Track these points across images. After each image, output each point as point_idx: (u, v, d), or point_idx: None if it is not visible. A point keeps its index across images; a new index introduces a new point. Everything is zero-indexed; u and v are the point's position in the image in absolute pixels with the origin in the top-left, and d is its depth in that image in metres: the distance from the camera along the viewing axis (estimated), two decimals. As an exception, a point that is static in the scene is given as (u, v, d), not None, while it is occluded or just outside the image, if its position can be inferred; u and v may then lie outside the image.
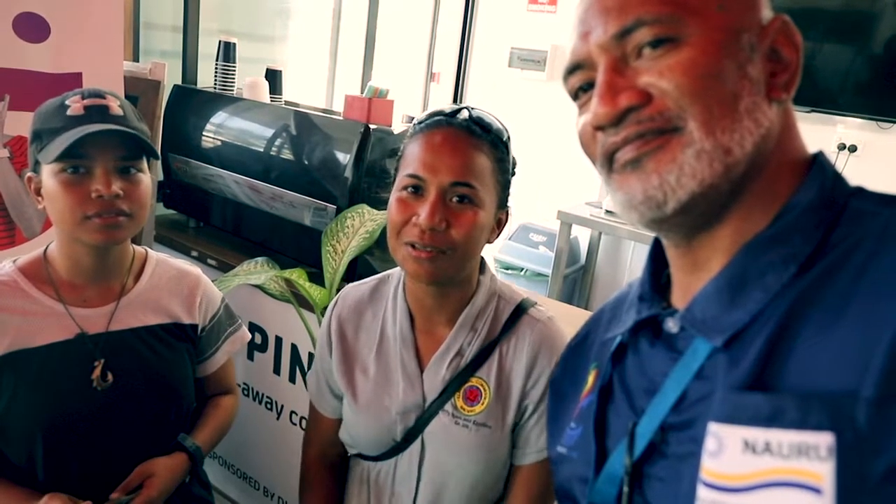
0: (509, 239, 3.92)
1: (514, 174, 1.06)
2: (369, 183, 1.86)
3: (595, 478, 0.66)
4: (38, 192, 1.10)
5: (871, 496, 0.46)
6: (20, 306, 1.09)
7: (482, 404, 1.01)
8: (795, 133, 0.61)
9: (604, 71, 0.58)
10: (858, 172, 3.17)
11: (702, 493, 0.53)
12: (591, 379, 0.74)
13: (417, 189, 0.96)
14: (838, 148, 3.24)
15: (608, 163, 0.61)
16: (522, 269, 3.84)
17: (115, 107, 1.09)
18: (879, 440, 0.46)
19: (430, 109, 1.03)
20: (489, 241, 1.02)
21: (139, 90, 1.89)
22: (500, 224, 1.04)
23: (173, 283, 1.25)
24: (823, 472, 0.46)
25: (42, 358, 1.08)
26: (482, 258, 1.08)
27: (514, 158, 1.05)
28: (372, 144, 1.84)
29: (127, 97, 1.17)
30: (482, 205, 0.96)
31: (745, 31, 0.56)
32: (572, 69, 0.63)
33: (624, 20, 0.57)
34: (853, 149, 3.23)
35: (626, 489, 0.62)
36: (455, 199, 0.95)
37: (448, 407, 1.02)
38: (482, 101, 4.21)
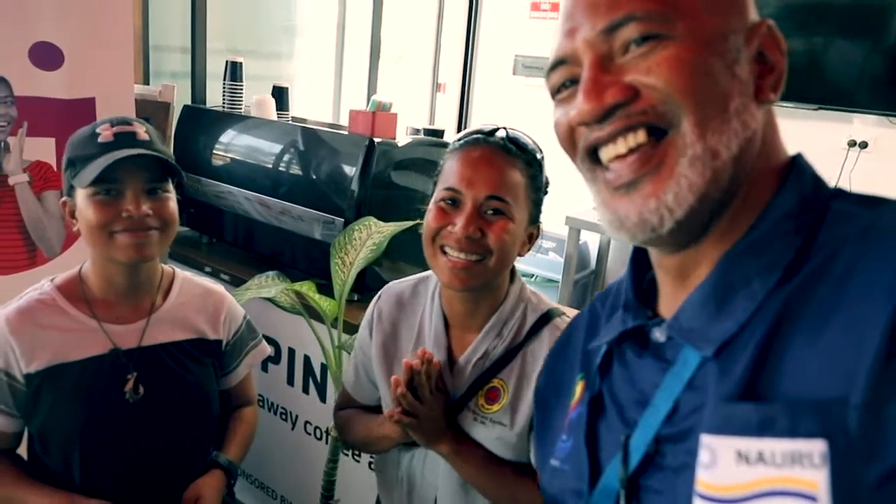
0: (519, 245, 3.92)
1: (546, 193, 1.12)
2: (375, 195, 1.90)
3: (590, 491, 0.65)
4: (72, 214, 1.17)
5: (866, 502, 0.45)
6: (59, 323, 1.16)
7: (499, 404, 1.07)
8: (777, 136, 0.60)
9: (589, 67, 0.57)
10: (870, 168, 3.15)
11: None
12: (578, 390, 0.73)
13: (455, 202, 1.03)
14: (848, 144, 3.21)
15: (589, 160, 0.60)
16: (533, 275, 3.85)
17: (142, 132, 1.16)
18: (871, 446, 0.45)
19: (469, 129, 1.10)
20: (520, 254, 1.09)
21: (149, 112, 1.94)
22: (531, 238, 1.10)
23: (199, 300, 1.31)
24: (818, 479, 0.46)
25: (78, 371, 1.15)
26: (513, 268, 1.13)
27: (546, 177, 1.11)
28: (377, 157, 1.88)
29: (138, 119, 1.22)
30: (514, 219, 1.03)
31: (733, 33, 0.56)
32: (555, 65, 0.61)
33: (613, 14, 0.55)
34: (864, 145, 3.20)
35: (622, 502, 0.61)
36: (489, 211, 1.02)
37: (471, 404, 1.08)
38: (488, 109, 4.25)
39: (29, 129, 1.68)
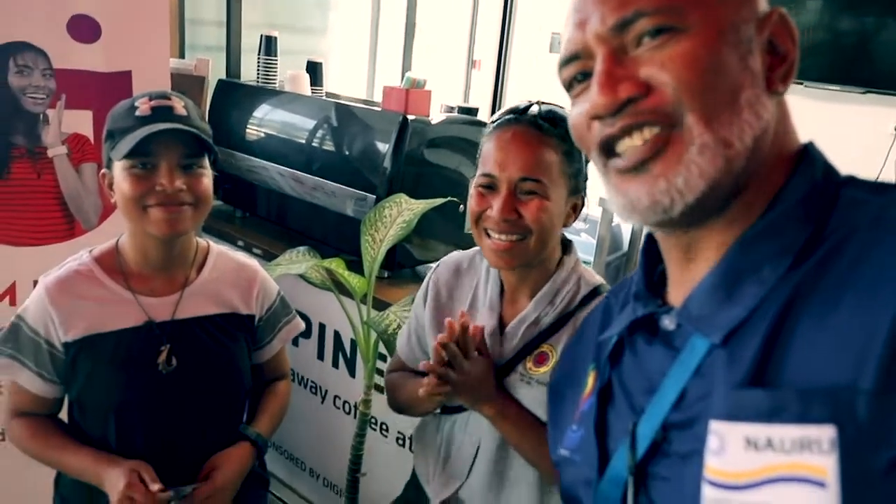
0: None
1: (588, 161, 1.10)
2: (408, 172, 1.89)
3: (599, 480, 0.66)
4: (110, 186, 1.18)
5: (875, 488, 0.45)
6: (95, 294, 1.18)
7: (547, 366, 1.09)
8: (790, 125, 0.60)
9: (602, 61, 0.57)
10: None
11: (707, 491, 0.52)
12: (590, 381, 0.73)
13: (491, 185, 1.06)
14: (895, 130, 3.10)
15: (604, 154, 0.60)
16: (564, 255, 3.82)
17: (180, 107, 1.16)
18: (881, 432, 0.45)
19: (505, 107, 1.11)
20: (566, 226, 1.11)
21: (184, 86, 1.96)
22: (575, 209, 1.12)
23: (233, 275, 1.32)
24: (827, 465, 0.46)
25: (114, 342, 1.18)
26: (570, 242, 1.17)
27: None
28: (410, 135, 1.87)
29: (173, 93, 1.22)
30: (549, 196, 1.05)
31: (744, 23, 0.56)
32: (568, 59, 0.61)
33: (624, 11, 0.56)
34: (911, 131, 3.08)
35: (630, 490, 0.61)
36: (524, 192, 1.04)
37: (519, 367, 1.11)
38: (524, 87, 4.19)
39: (67, 102, 1.70)
